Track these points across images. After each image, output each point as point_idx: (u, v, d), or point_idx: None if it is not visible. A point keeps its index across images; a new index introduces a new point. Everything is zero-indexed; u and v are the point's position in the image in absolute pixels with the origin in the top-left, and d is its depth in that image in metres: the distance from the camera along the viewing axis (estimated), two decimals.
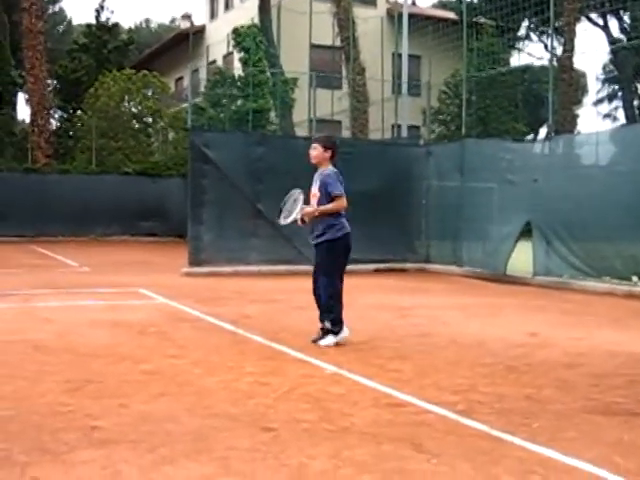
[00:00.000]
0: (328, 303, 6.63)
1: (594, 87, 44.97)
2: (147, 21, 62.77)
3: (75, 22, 52.32)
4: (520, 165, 13.80)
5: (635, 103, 41.20)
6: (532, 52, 52.95)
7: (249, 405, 4.63)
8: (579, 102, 37.77)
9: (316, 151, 6.77)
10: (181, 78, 38.15)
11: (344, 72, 29.57)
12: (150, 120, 32.14)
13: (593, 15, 37.35)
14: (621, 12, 35.47)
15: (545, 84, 19.84)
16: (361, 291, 10.61)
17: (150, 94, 31.67)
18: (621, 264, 11.76)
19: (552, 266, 12.79)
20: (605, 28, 39.48)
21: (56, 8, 51.11)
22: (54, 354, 6.17)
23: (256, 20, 26.58)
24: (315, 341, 6.67)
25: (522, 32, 36.85)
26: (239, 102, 25.58)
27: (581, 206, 12.29)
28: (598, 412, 4.59)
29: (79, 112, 32.83)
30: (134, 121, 32.00)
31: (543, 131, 32.20)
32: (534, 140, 25.43)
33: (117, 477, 3.39)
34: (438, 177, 15.79)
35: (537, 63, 35.01)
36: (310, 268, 6.95)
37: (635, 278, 11.47)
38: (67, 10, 70.21)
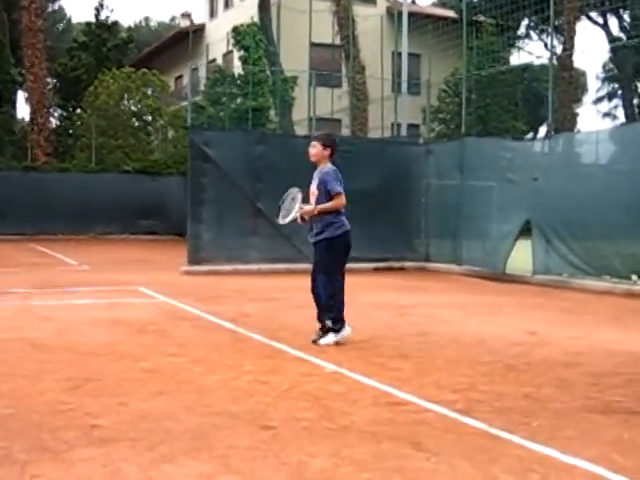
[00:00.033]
0: (328, 302, 6.60)
1: (594, 86, 45.05)
2: (147, 19, 62.72)
3: (75, 20, 52.40)
4: (520, 164, 13.80)
5: (635, 102, 41.22)
6: (532, 51, 52.97)
7: (249, 403, 4.63)
8: (579, 101, 37.82)
9: (315, 149, 6.75)
10: (181, 76, 38.13)
11: (344, 70, 29.58)
12: (150, 118, 32.14)
13: (593, 14, 37.34)
14: (621, 11, 35.45)
15: (545, 83, 19.84)
16: (361, 290, 10.61)
17: (150, 92, 31.66)
18: (620, 263, 11.76)
19: (551, 265, 12.80)
20: (605, 27, 39.50)
21: (55, 6, 51.10)
22: (54, 352, 6.18)
23: (256, 18, 26.57)
24: (315, 342, 6.63)
25: (522, 31, 36.88)
26: (239, 100, 25.57)
27: (581, 205, 12.29)
28: (597, 411, 4.59)
29: (79, 110, 32.84)
30: (134, 119, 32.00)
31: (543, 130, 32.17)
32: (534, 139, 25.38)
33: (117, 475, 3.39)
34: (438, 176, 15.79)
35: (537, 62, 35.03)
36: (310, 267, 6.94)
37: (634, 277, 11.47)
38: (67, 8, 70.05)
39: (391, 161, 15.40)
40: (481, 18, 26.82)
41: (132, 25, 54.15)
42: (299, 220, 6.73)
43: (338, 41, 28.68)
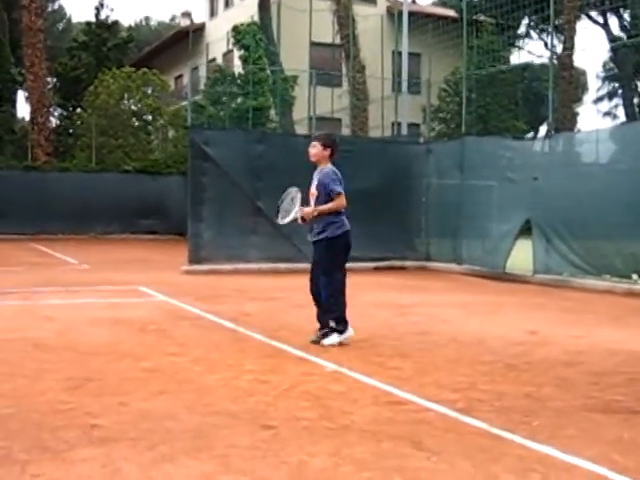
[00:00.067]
0: (329, 302, 6.57)
1: (594, 85, 45.06)
2: (147, 19, 62.68)
3: (75, 20, 52.40)
4: (520, 163, 13.80)
5: (635, 101, 41.22)
6: (532, 50, 53.07)
7: (249, 403, 4.63)
8: (579, 100, 37.80)
9: (315, 149, 6.71)
10: (181, 76, 38.13)
11: (344, 70, 29.58)
12: (150, 118, 32.14)
13: (593, 13, 37.32)
14: (621, 10, 35.46)
15: (545, 82, 19.83)
16: (361, 289, 10.60)
17: (150, 92, 31.65)
18: (621, 262, 11.76)
19: (552, 264, 12.79)
20: (605, 26, 39.48)
21: (56, 6, 51.11)
22: (54, 352, 6.18)
23: (256, 18, 26.56)
24: (314, 342, 6.60)
25: (522, 30, 36.87)
26: (239, 100, 25.57)
27: (581, 204, 12.28)
28: (598, 410, 4.59)
29: (79, 110, 32.83)
30: (134, 119, 31.99)
31: (543, 129, 32.21)
32: (534, 138, 25.36)
33: (117, 475, 3.39)
34: (438, 175, 15.78)
35: (537, 61, 35.04)
36: (309, 266, 6.93)
37: (635, 276, 11.46)
38: (67, 8, 70.13)
39: (391, 160, 15.39)
40: (481, 17, 26.80)
41: (132, 24, 54.15)
42: (299, 221, 6.71)
43: (338, 40, 28.68)
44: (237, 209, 14.15)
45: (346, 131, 28.16)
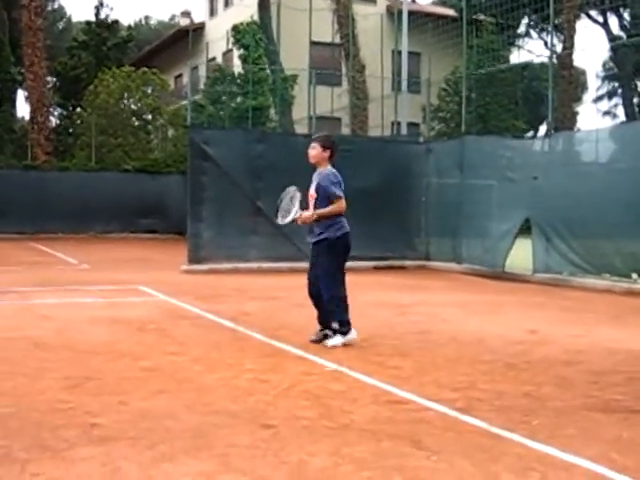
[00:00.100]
0: (331, 304, 6.52)
1: (594, 84, 45.03)
2: (146, 18, 62.59)
3: (74, 19, 52.30)
4: (520, 162, 13.80)
5: (635, 100, 41.22)
6: (532, 49, 53.06)
7: (249, 402, 4.63)
8: (579, 99, 37.80)
9: (315, 150, 6.65)
10: (180, 75, 38.12)
11: (344, 69, 29.59)
12: (150, 117, 32.13)
13: (593, 12, 37.37)
14: (621, 9, 35.46)
15: (545, 81, 19.84)
16: (360, 288, 10.60)
17: (150, 91, 31.65)
18: (621, 261, 11.76)
19: (552, 263, 12.80)
20: (605, 25, 39.49)
21: (55, 5, 51.05)
22: (53, 351, 6.18)
23: (256, 17, 26.56)
24: (314, 341, 6.60)
25: (522, 29, 36.87)
26: (239, 99, 25.57)
27: (581, 203, 12.28)
28: (597, 409, 4.59)
29: (78, 109, 32.82)
30: (134, 118, 31.98)
31: (543, 128, 32.21)
32: (534, 137, 25.40)
33: (116, 474, 3.39)
34: (438, 174, 15.78)
35: (537, 60, 35.00)
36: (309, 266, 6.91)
37: (635, 275, 11.47)
38: (66, 7, 70.20)
39: (391, 160, 15.39)
40: (481, 17, 26.81)
41: (132, 24, 54.02)
42: (299, 222, 6.68)
43: (338, 40, 28.69)
44: (237, 208, 14.15)
45: (346, 130, 28.16)
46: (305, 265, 7.07)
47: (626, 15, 37.25)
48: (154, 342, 6.71)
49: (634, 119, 36.60)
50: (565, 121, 27.74)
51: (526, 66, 30.74)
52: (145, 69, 31.75)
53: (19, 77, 34.27)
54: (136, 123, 31.93)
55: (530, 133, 32.39)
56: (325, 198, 6.54)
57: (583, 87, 41.19)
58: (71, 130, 33.23)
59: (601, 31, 39.64)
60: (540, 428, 4.15)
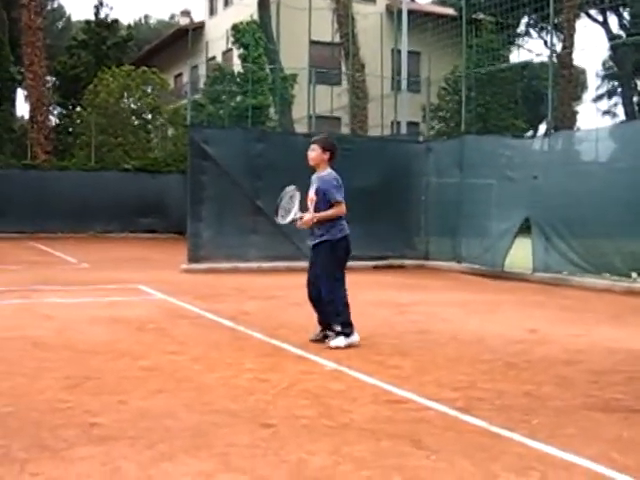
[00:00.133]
0: (333, 305, 6.49)
1: (594, 83, 45.09)
2: (146, 17, 62.62)
3: (74, 18, 52.34)
4: (519, 162, 13.80)
5: (635, 99, 41.22)
6: (532, 48, 53.08)
7: (248, 401, 4.63)
8: (578, 98, 37.81)
9: (314, 152, 6.61)
10: (180, 74, 38.11)
11: (343, 68, 29.59)
12: (149, 116, 32.14)
13: (593, 11, 37.36)
14: (620, 8, 35.45)
15: (544, 80, 19.84)
16: (360, 288, 10.59)
17: (149, 90, 31.65)
18: (620, 261, 11.76)
19: (551, 262, 12.79)
20: (605, 24, 39.48)
21: (55, 4, 51.08)
22: (53, 351, 6.17)
23: (255, 16, 26.55)
24: (314, 341, 6.59)
25: (522, 28, 36.86)
26: (238, 98, 25.56)
27: (580, 202, 12.28)
28: (597, 409, 4.59)
29: (78, 108, 32.85)
30: (133, 117, 31.98)
31: (542, 128, 32.25)
32: (533, 136, 25.41)
33: (116, 473, 3.39)
34: (437, 173, 15.78)
35: (536, 59, 35.04)
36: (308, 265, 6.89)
37: (634, 275, 11.46)
38: (66, 6, 70.21)
39: (391, 159, 15.39)
40: (481, 16, 26.81)
41: (132, 23, 54.05)
42: (298, 223, 6.64)
43: (338, 39, 28.69)
44: (237, 208, 14.14)
45: (345, 130, 28.15)
46: (304, 264, 7.06)
47: (626, 14, 37.27)
48: (154, 341, 6.71)
49: (634, 118, 36.59)
50: (565, 120, 27.75)
51: (526, 65, 30.74)
52: (145, 68, 31.76)
53: (19, 76, 34.26)
54: (136, 122, 31.92)
55: (530, 132, 32.40)
56: (325, 202, 6.50)
57: (583, 86, 41.24)
58: (71, 129, 33.23)
59: (601, 30, 39.68)
60: (540, 427, 4.15)
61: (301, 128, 23.36)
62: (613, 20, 39.61)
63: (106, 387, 4.95)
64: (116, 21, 37.92)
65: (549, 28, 21.42)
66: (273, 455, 3.63)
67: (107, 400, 4.59)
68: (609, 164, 13.09)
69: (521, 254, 13.44)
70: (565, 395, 4.91)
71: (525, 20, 35.83)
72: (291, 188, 6.74)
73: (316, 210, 6.54)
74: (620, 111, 42.54)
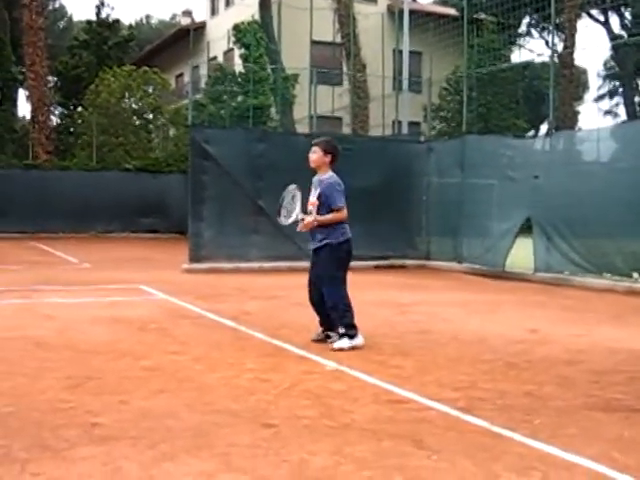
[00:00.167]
0: (335, 308, 6.46)
1: (595, 83, 45.08)
2: (147, 17, 62.69)
3: (75, 18, 52.42)
4: (521, 162, 13.79)
5: (636, 99, 41.21)
6: (533, 48, 53.04)
7: (250, 401, 4.63)
8: (580, 98, 37.82)
9: (316, 155, 6.58)
10: (182, 74, 38.11)
11: (345, 68, 29.59)
12: (151, 116, 32.15)
13: (594, 11, 37.35)
14: (622, 8, 35.44)
15: (546, 80, 19.79)
16: (361, 288, 10.58)
17: (151, 90, 31.66)
18: (622, 261, 11.75)
19: (553, 262, 12.79)
20: (606, 24, 39.47)
21: (56, 4, 51.13)
22: (54, 351, 6.18)
23: (257, 16, 26.55)
24: (315, 341, 6.58)
25: (523, 28, 36.86)
26: (240, 98, 25.56)
27: (582, 202, 12.27)
28: (598, 409, 4.59)
29: (79, 109, 32.85)
30: (135, 117, 31.99)
31: (544, 127, 32.19)
32: (535, 136, 25.40)
33: (117, 473, 3.39)
34: (439, 173, 15.77)
35: (538, 59, 35.01)
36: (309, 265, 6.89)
37: (636, 275, 11.46)
38: (67, 6, 70.25)
39: (392, 159, 15.39)
40: (482, 16, 26.78)
41: (133, 23, 54.12)
42: (300, 227, 6.61)
43: (339, 39, 28.69)
44: (238, 208, 14.14)
45: (347, 130, 28.15)
46: (306, 264, 7.05)
47: (627, 14, 37.25)
48: (155, 341, 6.71)
49: (635, 118, 36.58)
50: (566, 120, 27.74)
51: (527, 65, 30.70)
52: (146, 68, 31.76)
53: (20, 76, 34.28)
54: (137, 122, 31.94)
55: (531, 132, 32.38)
56: (327, 207, 6.48)
57: (584, 86, 41.22)
58: (72, 129, 33.25)
59: (602, 30, 39.67)
60: (541, 427, 4.15)
61: (302, 128, 23.36)
62: (614, 20, 39.67)
63: (107, 387, 4.95)
64: (117, 21, 37.95)
65: (550, 28, 21.42)
66: (274, 455, 3.63)
67: (108, 400, 4.59)
68: (610, 164, 13.09)
69: (522, 254, 13.43)
70: (566, 395, 4.91)
71: (526, 20, 35.85)
72: (292, 187, 6.71)
73: (318, 214, 6.52)
74: (621, 111, 42.58)
